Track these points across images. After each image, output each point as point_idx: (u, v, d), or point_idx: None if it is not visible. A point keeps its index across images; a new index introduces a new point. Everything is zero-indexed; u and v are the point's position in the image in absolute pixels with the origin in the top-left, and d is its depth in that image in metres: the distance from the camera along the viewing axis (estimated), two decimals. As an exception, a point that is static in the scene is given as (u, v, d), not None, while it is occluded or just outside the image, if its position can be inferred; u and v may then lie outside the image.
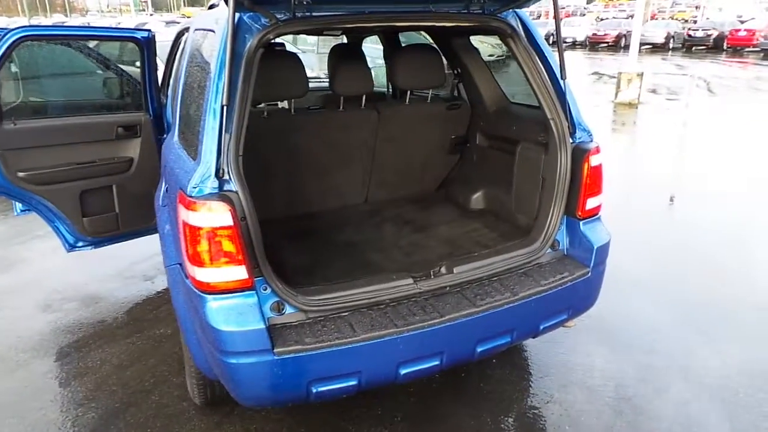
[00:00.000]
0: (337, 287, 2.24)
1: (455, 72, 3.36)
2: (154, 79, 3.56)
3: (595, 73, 18.41)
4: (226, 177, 1.99)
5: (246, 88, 2.06)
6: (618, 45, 27.43)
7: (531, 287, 2.37)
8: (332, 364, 2.05)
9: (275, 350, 1.99)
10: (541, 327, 2.46)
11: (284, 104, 3.10)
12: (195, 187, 1.96)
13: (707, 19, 34.15)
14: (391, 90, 3.97)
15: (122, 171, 3.52)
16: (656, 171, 7.07)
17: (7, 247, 5.11)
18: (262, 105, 2.89)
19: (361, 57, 3.04)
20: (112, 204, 3.55)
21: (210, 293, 2.00)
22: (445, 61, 3.22)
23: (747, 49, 25.21)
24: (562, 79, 2.54)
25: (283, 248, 2.77)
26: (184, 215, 1.97)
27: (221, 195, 1.95)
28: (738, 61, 22.65)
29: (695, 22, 34.23)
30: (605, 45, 28.24)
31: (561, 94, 2.57)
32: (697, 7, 45.86)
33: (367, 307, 2.22)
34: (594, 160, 2.54)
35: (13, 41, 2.90)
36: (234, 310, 1.99)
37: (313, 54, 7.61)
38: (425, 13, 2.43)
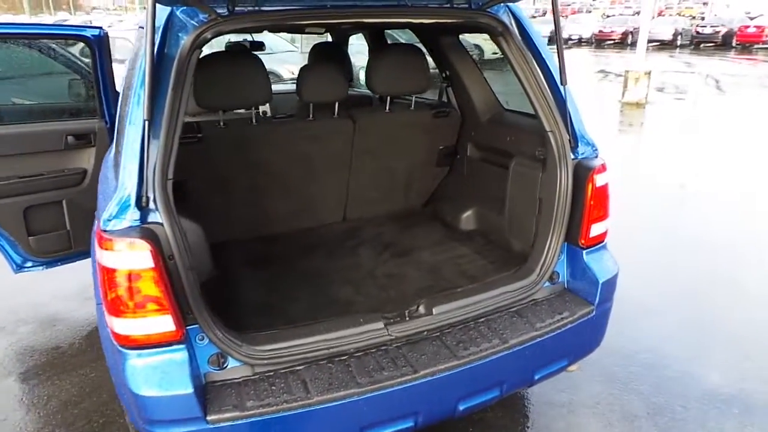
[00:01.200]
0: (291, 334, 1.89)
1: (443, 75, 2.98)
2: (110, 83, 3.20)
3: (601, 71, 17.96)
4: (151, 206, 1.64)
5: (177, 98, 1.70)
6: (624, 42, 26.95)
7: (524, 332, 2.00)
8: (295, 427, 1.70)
9: (208, 418, 1.64)
10: (537, 377, 2.10)
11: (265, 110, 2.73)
12: (110, 220, 1.61)
13: (715, 15, 33.63)
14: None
15: (74, 184, 3.17)
16: (664, 174, 6.68)
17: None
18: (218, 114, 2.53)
19: (339, 58, 2.68)
20: (62, 221, 3.19)
21: (131, 348, 1.65)
22: (432, 63, 2.86)
23: (756, 46, 24.74)
24: (562, 84, 2.17)
25: (239, 280, 2.41)
26: (98, 254, 1.62)
27: (142, 229, 1.60)
28: (747, 58, 22.16)
29: (703, 18, 33.68)
30: (612, 42, 27.70)
31: (561, 103, 2.20)
32: (704, 3, 45.29)
33: (328, 359, 1.86)
34: (599, 180, 2.17)
35: None
36: (157, 370, 1.63)
37: (297, 53, 7.26)
38: (400, 8, 2.07)
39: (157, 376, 1.63)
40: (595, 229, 2.23)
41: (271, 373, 1.81)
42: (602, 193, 2.21)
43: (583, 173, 2.17)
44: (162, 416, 1.63)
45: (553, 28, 2.09)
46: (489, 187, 2.73)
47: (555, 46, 2.17)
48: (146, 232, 1.59)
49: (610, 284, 2.22)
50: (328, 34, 4.11)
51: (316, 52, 2.90)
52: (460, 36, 2.92)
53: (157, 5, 1.62)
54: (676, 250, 4.64)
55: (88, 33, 3.04)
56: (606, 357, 3.06)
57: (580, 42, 28.70)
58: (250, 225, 2.85)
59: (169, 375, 1.63)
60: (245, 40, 4.74)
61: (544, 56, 2.24)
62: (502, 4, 2.18)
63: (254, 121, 2.55)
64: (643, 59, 11.80)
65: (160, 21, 1.75)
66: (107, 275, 1.58)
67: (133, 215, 1.62)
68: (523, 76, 2.20)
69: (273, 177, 2.73)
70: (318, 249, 2.74)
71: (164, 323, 1.62)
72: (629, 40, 25.94)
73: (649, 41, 14.00)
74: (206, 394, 1.72)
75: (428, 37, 2.94)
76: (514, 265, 2.35)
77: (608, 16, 34.86)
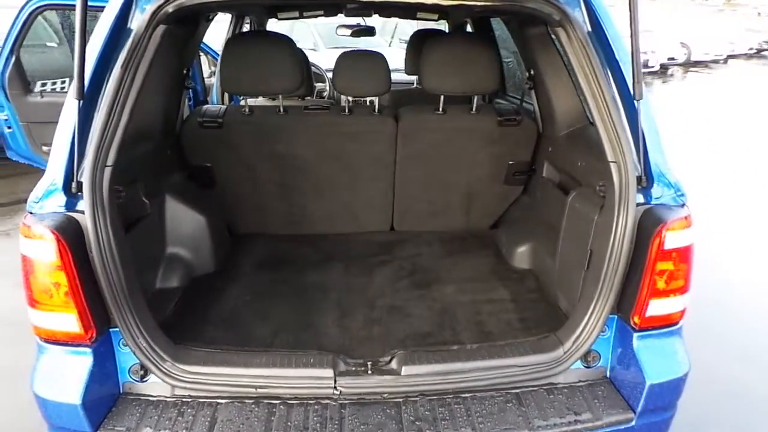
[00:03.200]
0: (227, 359, 1.63)
1: (528, 74, 2.42)
2: None
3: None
4: (81, 193, 1.49)
5: (126, 77, 1.52)
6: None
7: (511, 429, 1.48)
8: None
9: None
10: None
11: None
12: (35, 202, 1.49)
13: None
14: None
15: None
16: None
17: None
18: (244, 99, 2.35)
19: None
20: None
21: (44, 341, 1.53)
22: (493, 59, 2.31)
23: None
24: (635, 99, 1.55)
25: (231, 281, 2.22)
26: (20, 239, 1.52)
27: (57, 218, 1.45)
28: None
29: None
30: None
31: (632, 123, 1.58)
32: None
33: (256, 399, 1.57)
34: (671, 238, 1.52)
35: (32, 11, 2.76)
36: (55, 371, 1.50)
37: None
38: None
39: (53, 377, 1.50)
40: (658, 307, 1.57)
41: (189, 400, 1.57)
42: (677, 257, 1.54)
43: (649, 225, 1.54)
44: (54, 421, 1.50)
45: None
46: (552, 220, 2.14)
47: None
48: (59, 221, 1.44)
49: (668, 389, 1.56)
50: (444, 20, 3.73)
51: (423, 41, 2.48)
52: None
53: None
54: None
55: None
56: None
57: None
58: (283, 221, 2.64)
59: (64, 379, 1.48)
60: (358, 24, 4.53)
61: (619, 60, 1.63)
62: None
63: (282, 110, 2.31)
64: None
65: None
66: (22, 261, 1.47)
67: (57, 201, 1.49)
68: (584, 82, 1.62)
69: (306, 174, 2.47)
70: (339, 260, 2.43)
71: (67, 322, 1.47)
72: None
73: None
74: (114, 406, 1.55)
75: (513, 27, 2.41)
76: (549, 328, 1.79)
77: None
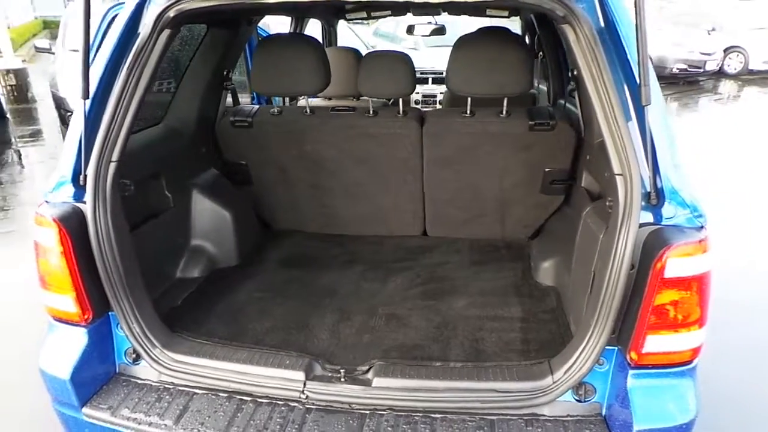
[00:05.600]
0: (212, 352, 1.69)
1: (571, 74, 2.22)
2: None
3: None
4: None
5: (132, 78, 1.62)
6: None
7: None
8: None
9: (83, 409, 1.59)
10: None
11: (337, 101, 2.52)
12: (50, 192, 1.65)
13: None
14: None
15: None
16: None
17: None
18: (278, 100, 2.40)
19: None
20: None
21: (53, 319, 1.69)
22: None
23: None
24: (643, 104, 1.36)
25: (249, 276, 2.28)
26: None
27: (63, 207, 1.59)
28: None
29: None
30: None
31: (641, 131, 1.40)
32: None
33: (229, 394, 1.61)
34: (677, 266, 1.32)
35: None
36: (55, 347, 1.65)
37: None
38: None
39: (53, 352, 1.64)
40: (658, 343, 1.37)
41: (171, 387, 1.65)
42: (686, 287, 1.33)
43: (653, 249, 1.34)
44: (52, 393, 1.65)
45: None
46: (576, 235, 1.95)
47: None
48: (64, 211, 1.57)
49: (662, 438, 1.36)
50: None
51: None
52: None
53: None
54: None
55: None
56: None
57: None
58: (317, 221, 2.67)
59: (59, 355, 1.62)
60: (429, 23, 4.45)
61: (632, 61, 1.44)
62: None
63: (308, 110, 2.33)
64: None
65: None
66: (34, 245, 1.63)
67: (67, 191, 1.63)
68: (591, 85, 1.46)
69: (334, 175, 2.48)
70: (360, 263, 2.40)
71: (66, 303, 1.61)
72: None
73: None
74: (107, 384, 1.67)
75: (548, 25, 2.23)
76: (550, 352, 1.64)
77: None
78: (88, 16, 1.52)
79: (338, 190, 2.53)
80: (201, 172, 2.36)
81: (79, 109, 1.62)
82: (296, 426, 1.49)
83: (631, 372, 1.41)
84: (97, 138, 1.60)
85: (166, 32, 1.66)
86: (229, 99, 2.57)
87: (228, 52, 2.39)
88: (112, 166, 1.63)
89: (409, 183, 2.44)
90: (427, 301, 2.09)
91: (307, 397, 1.56)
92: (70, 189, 1.63)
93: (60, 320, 1.66)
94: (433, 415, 1.50)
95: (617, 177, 1.43)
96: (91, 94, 1.61)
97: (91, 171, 1.59)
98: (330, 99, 3.26)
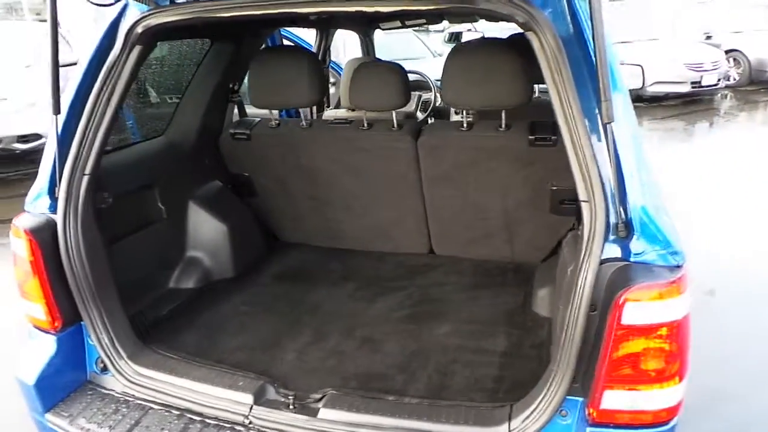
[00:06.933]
0: (173, 367, 1.68)
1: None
2: None
3: None
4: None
5: (104, 94, 1.65)
6: None
7: None
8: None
9: (46, 415, 1.63)
10: None
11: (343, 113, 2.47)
12: (30, 203, 1.72)
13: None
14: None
15: None
16: None
17: None
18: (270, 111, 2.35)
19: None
20: None
21: (33, 327, 1.76)
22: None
23: None
24: (604, 122, 1.19)
25: (238, 289, 2.27)
26: None
27: (37, 219, 1.64)
28: None
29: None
30: None
31: (615, 152, 1.22)
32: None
33: (180, 412, 1.59)
34: (638, 311, 1.13)
35: None
36: (29, 353, 1.70)
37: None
38: None
39: (26, 358, 1.70)
40: (619, 400, 1.18)
41: (130, 399, 1.66)
42: (648, 335, 1.14)
43: (613, 290, 1.16)
44: (25, 398, 1.71)
45: None
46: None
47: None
48: (36, 222, 1.63)
49: None
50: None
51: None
52: None
53: None
54: None
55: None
56: None
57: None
58: (322, 234, 2.62)
59: (29, 361, 1.67)
60: (469, 30, 4.29)
61: (597, 71, 1.26)
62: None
63: (304, 123, 2.28)
64: None
65: (115, 11, 1.72)
66: (12, 254, 1.71)
67: (44, 203, 1.69)
68: (555, 97, 1.30)
69: (333, 188, 2.41)
70: (354, 280, 2.31)
71: (38, 311, 1.66)
72: None
73: None
74: (74, 391, 1.71)
75: None
76: (520, 394, 1.48)
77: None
78: (56, 33, 1.56)
79: (338, 203, 2.47)
80: (202, 183, 2.39)
81: (52, 123, 1.67)
82: None
83: (588, 430, 1.22)
84: (71, 152, 1.65)
85: (138, 48, 1.67)
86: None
87: (232, 66, 2.41)
88: (85, 179, 1.67)
89: (410, 198, 2.33)
90: (409, 326, 1.97)
91: (250, 422, 1.50)
92: (46, 201, 1.69)
93: (36, 327, 1.72)
94: None
95: (583, 204, 1.26)
96: (67, 108, 1.66)
97: (63, 184, 1.64)
98: (353, 110, 3.20)
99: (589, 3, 1.13)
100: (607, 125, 1.18)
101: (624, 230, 1.20)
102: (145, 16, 1.61)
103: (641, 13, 11.01)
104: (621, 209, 1.21)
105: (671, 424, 1.22)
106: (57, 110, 1.63)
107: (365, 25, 3.81)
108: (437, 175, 2.22)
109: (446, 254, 2.50)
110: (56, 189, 1.66)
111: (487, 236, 2.37)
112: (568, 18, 1.35)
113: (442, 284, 2.27)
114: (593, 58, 1.29)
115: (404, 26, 3.86)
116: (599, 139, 1.24)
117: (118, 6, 1.74)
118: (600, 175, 1.22)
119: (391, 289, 2.25)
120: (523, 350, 1.79)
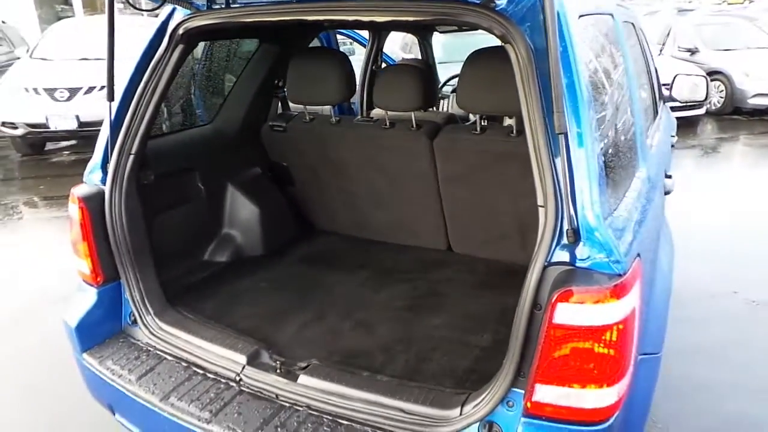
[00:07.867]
0: (190, 327, 1.92)
1: None
2: None
3: None
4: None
5: (148, 88, 1.91)
6: None
7: None
8: (113, 398, 1.83)
9: (83, 354, 1.93)
10: None
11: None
12: (87, 175, 2.03)
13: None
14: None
15: None
16: None
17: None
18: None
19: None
20: None
21: (81, 280, 2.07)
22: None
23: None
24: (557, 133, 1.26)
25: (266, 267, 2.48)
26: None
27: (92, 188, 1.94)
28: None
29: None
30: None
31: (567, 162, 1.29)
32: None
33: (188, 365, 1.83)
34: (569, 312, 1.20)
35: None
36: (75, 301, 2.00)
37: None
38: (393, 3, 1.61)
39: (72, 305, 2.00)
40: (550, 394, 1.25)
41: (150, 350, 1.91)
42: (582, 338, 1.20)
43: (552, 291, 1.24)
44: (68, 338, 2.01)
45: None
46: None
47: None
48: (88, 191, 1.92)
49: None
50: None
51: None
52: None
53: None
54: None
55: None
56: None
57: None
58: (351, 224, 2.79)
59: (74, 307, 1.97)
60: None
61: (579, 87, 1.33)
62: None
63: (334, 120, 2.46)
64: None
65: (166, 13, 1.98)
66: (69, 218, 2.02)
67: (97, 176, 1.98)
68: (523, 108, 1.39)
69: (359, 182, 2.56)
70: (370, 269, 2.45)
71: (84, 266, 1.96)
72: None
73: None
74: (109, 338, 1.99)
75: None
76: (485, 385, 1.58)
77: None
78: (113, 29, 1.84)
79: (364, 196, 2.63)
80: (243, 169, 2.64)
81: (106, 109, 1.96)
82: (222, 402, 1.64)
83: (522, 419, 1.30)
84: (120, 134, 1.94)
85: (180, 47, 1.92)
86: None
87: (276, 64, 2.63)
88: (131, 158, 1.95)
89: (429, 197, 2.44)
90: (407, 314, 2.10)
91: (240, 379, 1.70)
92: (98, 174, 1.98)
93: (83, 281, 2.03)
94: (340, 421, 1.54)
95: (540, 209, 1.34)
96: (120, 97, 1.94)
97: (112, 161, 1.93)
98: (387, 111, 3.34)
99: (543, 17, 1.20)
100: (560, 136, 1.25)
101: (572, 236, 1.27)
102: (186, 19, 1.85)
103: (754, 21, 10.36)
104: (574, 216, 1.27)
105: (604, 424, 1.27)
106: (111, 97, 1.91)
107: (420, 28, 3.93)
108: (452, 175, 2.32)
109: (463, 252, 2.59)
110: (107, 165, 1.96)
111: (501, 238, 2.43)
112: (543, 30, 1.41)
113: (451, 280, 2.37)
114: (573, 72, 1.36)
115: (460, 29, 3.94)
116: (557, 150, 1.31)
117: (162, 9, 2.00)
118: (554, 183, 1.29)
119: (401, 280, 2.38)
120: (504, 347, 1.85)
